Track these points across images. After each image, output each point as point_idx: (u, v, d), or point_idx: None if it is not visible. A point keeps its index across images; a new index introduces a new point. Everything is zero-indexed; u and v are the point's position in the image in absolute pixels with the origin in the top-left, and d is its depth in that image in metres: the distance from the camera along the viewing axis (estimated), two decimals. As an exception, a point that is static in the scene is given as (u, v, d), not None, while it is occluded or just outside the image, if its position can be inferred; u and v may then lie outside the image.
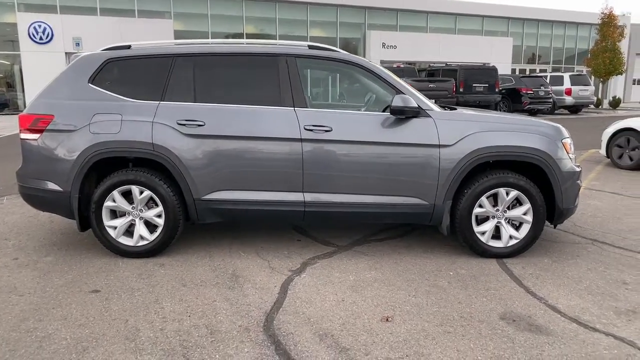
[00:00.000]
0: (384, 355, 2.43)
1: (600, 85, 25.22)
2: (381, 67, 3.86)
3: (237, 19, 24.91)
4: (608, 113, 22.61)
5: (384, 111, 3.81)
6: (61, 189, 3.65)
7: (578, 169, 3.82)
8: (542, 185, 3.78)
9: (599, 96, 26.16)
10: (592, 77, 24.52)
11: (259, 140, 3.61)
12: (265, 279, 3.38)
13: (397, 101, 3.52)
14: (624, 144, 8.03)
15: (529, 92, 19.05)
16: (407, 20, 29.09)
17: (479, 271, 3.55)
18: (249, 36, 25.27)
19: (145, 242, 3.73)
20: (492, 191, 3.68)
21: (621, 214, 5.11)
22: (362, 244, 4.15)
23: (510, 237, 3.76)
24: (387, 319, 2.80)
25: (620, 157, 8.08)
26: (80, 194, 3.65)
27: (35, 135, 3.67)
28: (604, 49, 23.95)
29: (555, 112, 21.40)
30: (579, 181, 3.83)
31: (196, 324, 2.73)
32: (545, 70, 32.38)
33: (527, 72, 30.62)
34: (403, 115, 3.58)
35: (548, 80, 20.46)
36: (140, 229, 3.72)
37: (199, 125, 3.59)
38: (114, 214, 3.77)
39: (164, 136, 3.58)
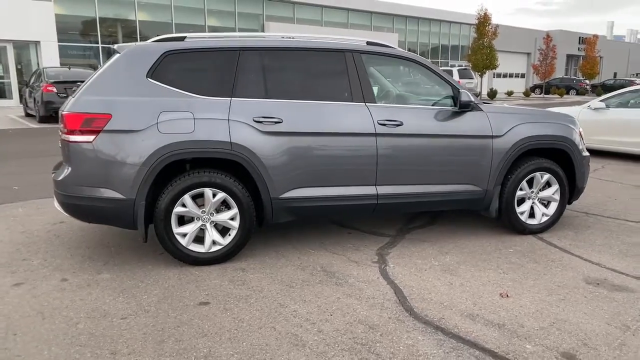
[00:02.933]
0: (538, 325, 2.71)
1: (480, 78, 28.38)
2: (432, 64, 4.10)
3: (129, 4, 23.04)
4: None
5: (434, 105, 4.08)
6: (123, 197, 3.27)
7: (588, 154, 4.48)
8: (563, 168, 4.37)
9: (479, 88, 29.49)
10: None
11: (337, 136, 3.62)
12: (361, 273, 3.43)
13: (465, 96, 3.81)
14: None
15: (426, 85, 20.75)
16: (303, 14, 29.57)
17: (529, 247, 4.01)
18: (143, 23, 23.58)
19: (218, 248, 3.52)
20: (530, 175, 4.17)
21: (586, 189, 6.03)
22: (409, 232, 4.37)
23: (543, 214, 4.30)
24: (506, 295, 3.09)
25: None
26: (146, 200, 3.31)
27: (89, 137, 3.23)
28: (480, 46, 26.98)
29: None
30: (589, 164, 4.50)
31: (348, 321, 2.74)
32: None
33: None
34: (468, 109, 3.87)
35: (439, 74, 22.48)
36: (213, 234, 3.50)
37: (277, 122, 3.49)
38: (181, 220, 3.48)
39: (241, 134, 3.41)
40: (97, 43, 22.46)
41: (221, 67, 3.52)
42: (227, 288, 3.17)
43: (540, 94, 36.83)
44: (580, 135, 4.40)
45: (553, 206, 4.33)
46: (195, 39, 3.57)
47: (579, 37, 49.85)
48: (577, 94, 36.67)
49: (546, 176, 4.21)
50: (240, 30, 26.70)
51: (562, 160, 4.34)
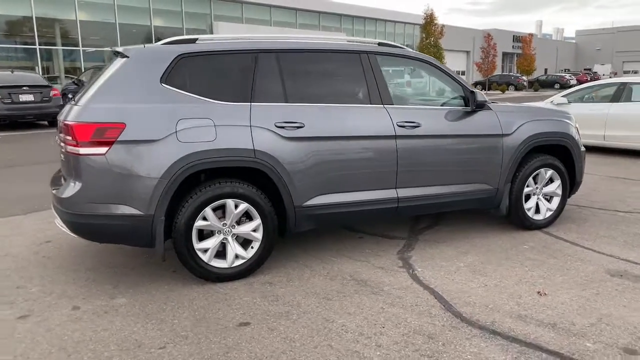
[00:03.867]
0: (587, 322, 2.73)
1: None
2: (443, 65, 4.08)
3: (68, 3, 21.69)
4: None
5: (443, 105, 4.08)
6: (141, 213, 3.00)
7: (584, 148, 4.64)
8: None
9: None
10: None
11: (359, 140, 3.52)
12: (392, 280, 3.35)
13: (480, 96, 3.82)
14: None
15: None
16: (251, 13, 29.13)
17: (541, 242, 4.09)
18: (84, 23, 22.29)
19: (241, 262, 3.32)
20: (536, 172, 4.25)
21: (564, 183, 6.29)
22: (421, 233, 4.34)
23: (547, 209, 4.40)
24: (544, 293, 3.11)
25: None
26: (165, 216, 3.05)
27: (102, 149, 2.93)
28: (428, 45, 27.74)
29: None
30: (585, 159, 4.67)
31: (403, 332, 2.64)
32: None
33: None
34: (483, 108, 3.88)
35: (392, 73, 22.86)
36: (236, 248, 3.29)
37: (299, 127, 3.33)
38: (199, 234, 3.24)
39: (264, 141, 3.22)
40: (34, 44, 20.97)
41: (238, 70, 3.31)
42: (262, 305, 2.98)
43: (481, 90, 38.39)
44: (577, 130, 4.55)
45: (556, 201, 4.44)
46: (208, 42, 3.34)
47: (513, 36, 52.57)
48: (516, 89, 38.57)
49: (550, 172, 4.31)
50: (188, 30, 25.87)
51: (561, 155, 4.47)
